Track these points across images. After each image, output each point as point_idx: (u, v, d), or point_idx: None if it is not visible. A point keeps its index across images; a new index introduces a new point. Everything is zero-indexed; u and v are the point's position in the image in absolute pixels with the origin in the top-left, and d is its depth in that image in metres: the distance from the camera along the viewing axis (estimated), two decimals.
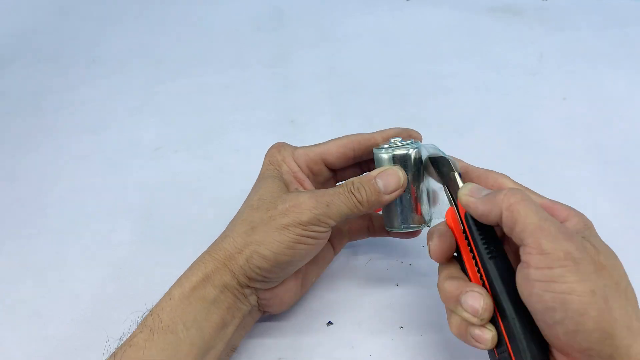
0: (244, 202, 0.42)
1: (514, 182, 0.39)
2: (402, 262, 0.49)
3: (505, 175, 0.39)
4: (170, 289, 0.38)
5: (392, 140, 0.42)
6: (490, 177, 0.39)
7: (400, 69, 0.72)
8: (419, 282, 0.48)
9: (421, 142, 0.44)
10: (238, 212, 0.41)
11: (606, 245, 0.33)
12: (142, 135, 0.64)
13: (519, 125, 0.63)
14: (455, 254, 0.38)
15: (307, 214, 0.38)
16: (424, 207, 0.42)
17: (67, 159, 0.61)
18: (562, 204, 0.36)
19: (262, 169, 0.44)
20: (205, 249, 0.40)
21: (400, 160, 0.41)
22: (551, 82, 0.70)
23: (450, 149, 0.60)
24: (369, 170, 0.45)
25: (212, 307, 0.37)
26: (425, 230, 0.43)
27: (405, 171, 0.40)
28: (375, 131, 0.44)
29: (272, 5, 0.85)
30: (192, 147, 0.62)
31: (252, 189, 0.43)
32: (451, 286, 0.35)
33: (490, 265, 0.34)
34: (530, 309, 0.31)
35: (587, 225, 0.34)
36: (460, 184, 0.38)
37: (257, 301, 0.40)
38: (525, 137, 0.62)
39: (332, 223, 0.39)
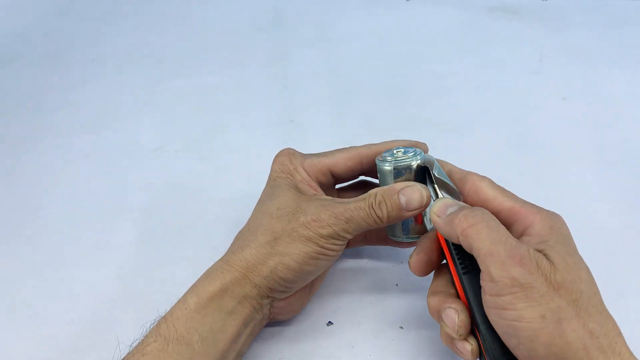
0: (258, 209, 0.42)
1: (491, 184, 0.38)
2: (402, 262, 0.49)
3: (485, 177, 0.39)
4: (185, 297, 0.37)
5: (395, 151, 0.41)
6: (469, 180, 0.38)
7: (400, 69, 0.72)
8: (419, 282, 0.48)
9: (427, 151, 0.44)
10: (253, 221, 0.41)
11: (570, 256, 0.32)
12: (142, 135, 0.64)
13: (519, 125, 0.63)
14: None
15: (328, 230, 0.38)
16: (426, 217, 0.42)
17: (67, 159, 0.61)
18: (532, 206, 0.36)
19: (272, 174, 0.43)
20: (205, 248, 0.40)
21: (403, 171, 0.40)
22: (551, 82, 0.70)
23: (450, 149, 0.61)
24: (372, 175, 0.46)
25: (229, 318, 0.37)
26: None
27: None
28: (383, 142, 0.44)
29: (272, 5, 0.85)
30: (192, 147, 0.62)
31: (265, 195, 0.43)
32: (433, 301, 0.36)
33: (464, 280, 0.34)
34: None
35: (554, 228, 0.34)
36: (435, 196, 0.38)
37: (270, 309, 0.40)
38: (525, 137, 0.62)
39: (350, 236, 0.39)
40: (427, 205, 0.39)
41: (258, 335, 0.44)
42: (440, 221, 0.35)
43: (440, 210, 0.36)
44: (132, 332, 0.37)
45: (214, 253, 0.41)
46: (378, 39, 0.78)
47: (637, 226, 0.52)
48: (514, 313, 0.30)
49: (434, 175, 0.39)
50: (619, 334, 0.30)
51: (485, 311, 0.32)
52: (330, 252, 0.39)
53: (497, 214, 0.35)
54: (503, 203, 0.36)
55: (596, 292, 0.31)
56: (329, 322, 0.45)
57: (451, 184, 0.39)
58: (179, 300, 0.37)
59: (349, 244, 0.47)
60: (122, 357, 0.35)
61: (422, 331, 0.44)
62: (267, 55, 0.76)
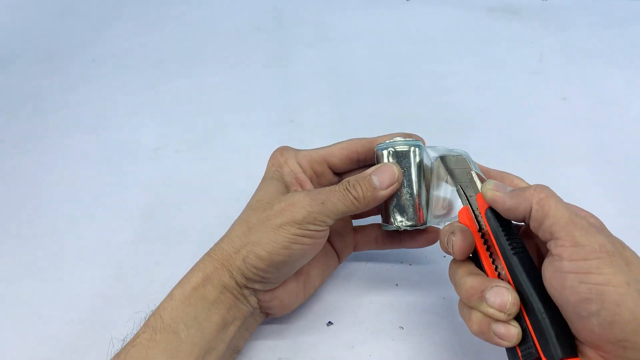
0: (246, 204, 0.42)
1: (528, 184, 0.39)
2: (402, 262, 0.49)
3: (521, 178, 0.40)
4: (171, 291, 0.38)
5: (394, 139, 0.42)
6: (506, 178, 0.40)
7: (400, 69, 0.72)
8: (419, 282, 0.48)
9: (419, 141, 0.44)
10: (240, 214, 0.42)
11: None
12: (142, 135, 0.64)
13: (519, 125, 0.63)
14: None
15: (301, 212, 0.38)
16: (423, 208, 0.42)
17: (67, 159, 0.61)
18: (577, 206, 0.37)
19: (265, 171, 0.44)
20: (205, 248, 0.40)
21: (400, 157, 0.41)
22: (551, 82, 0.70)
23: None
24: None
25: (213, 307, 0.38)
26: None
27: (406, 169, 0.41)
28: (380, 135, 0.45)
29: (272, 5, 0.85)
30: (192, 147, 0.62)
31: (255, 191, 0.43)
32: (474, 282, 0.35)
33: (515, 260, 0.34)
34: (561, 302, 0.31)
35: (603, 225, 0.35)
36: (478, 182, 0.38)
37: (258, 303, 0.40)
38: (525, 137, 0.62)
39: (329, 221, 0.39)
40: (399, 180, 0.40)
41: (258, 335, 0.44)
42: (504, 195, 0.35)
43: (499, 187, 0.36)
44: (132, 332, 0.37)
45: None
46: (378, 39, 0.78)
47: (637, 226, 0.52)
48: (601, 277, 0.29)
49: (467, 158, 0.40)
50: None
51: (554, 282, 0.31)
52: (306, 240, 0.38)
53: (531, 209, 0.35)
54: None
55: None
56: (329, 322, 0.45)
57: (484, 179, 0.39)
58: (166, 296, 0.38)
59: (358, 247, 0.47)
60: (116, 351, 0.36)
61: (422, 331, 0.44)
62: (267, 55, 0.76)
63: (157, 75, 0.73)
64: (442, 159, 0.41)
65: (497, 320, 0.33)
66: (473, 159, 0.42)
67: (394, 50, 0.76)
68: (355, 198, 0.39)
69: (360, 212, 0.40)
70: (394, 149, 0.41)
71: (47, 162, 0.61)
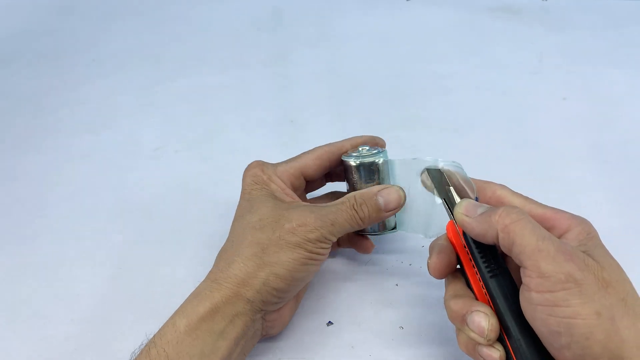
0: (238, 224, 0.41)
1: (512, 192, 0.38)
2: (402, 262, 0.49)
3: (504, 186, 0.39)
4: (174, 318, 0.36)
5: (360, 149, 0.44)
6: (488, 188, 0.38)
7: (400, 69, 0.72)
8: (419, 282, 0.48)
9: (385, 148, 0.46)
10: (236, 236, 0.40)
11: (611, 258, 0.32)
12: (142, 135, 0.64)
13: (519, 125, 0.63)
14: (459, 266, 0.38)
15: (315, 234, 0.38)
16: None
17: (67, 159, 0.61)
18: (564, 212, 0.35)
19: (245, 188, 0.43)
20: (205, 248, 0.40)
21: (368, 168, 0.43)
22: (551, 82, 0.70)
23: (450, 149, 0.61)
24: (336, 177, 0.48)
25: (220, 339, 0.36)
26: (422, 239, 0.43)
27: (371, 178, 0.42)
28: (344, 139, 0.46)
29: (272, 5, 0.85)
30: (192, 147, 0.62)
31: (242, 209, 0.42)
32: (456, 305, 0.35)
33: (493, 283, 0.33)
34: (535, 331, 0.31)
35: (591, 234, 0.33)
36: (457, 199, 0.38)
37: (263, 324, 0.40)
38: (525, 137, 0.62)
39: (335, 239, 0.40)
40: (403, 205, 0.41)
41: None
42: (472, 221, 0.34)
43: (469, 210, 0.35)
44: (131, 332, 0.37)
45: (213, 253, 0.41)
46: (378, 39, 0.78)
47: (637, 226, 0.52)
48: (568, 310, 0.29)
49: (453, 179, 0.39)
50: None
51: (527, 311, 0.31)
52: (319, 257, 0.39)
53: None
54: (533, 210, 0.36)
55: (639, 297, 0.31)
56: (329, 322, 0.45)
57: (472, 187, 0.38)
58: (167, 322, 0.36)
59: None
60: None
61: (422, 331, 0.44)
62: (267, 55, 0.76)
63: (157, 75, 0.73)
64: (428, 171, 0.40)
65: (480, 344, 0.33)
66: (464, 167, 0.41)
67: (394, 50, 0.76)
68: (360, 218, 0.40)
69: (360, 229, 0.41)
70: (362, 160, 0.42)
71: (47, 162, 0.61)
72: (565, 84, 0.69)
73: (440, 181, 0.39)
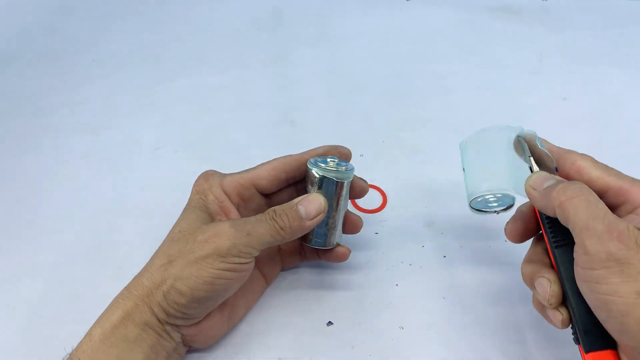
0: (167, 235, 0.41)
1: (594, 163, 0.37)
2: (402, 262, 0.49)
3: (586, 155, 0.38)
4: (90, 329, 0.37)
5: (329, 160, 0.42)
6: (569, 158, 0.38)
7: (400, 69, 0.72)
8: (419, 282, 0.48)
9: (351, 158, 0.45)
10: (159, 246, 0.40)
11: None
12: (142, 135, 0.64)
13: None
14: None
15: (226, 243, 0.37)
16: (335, 232, 0.43)
17: (67, 159, 0.61)
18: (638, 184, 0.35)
19: (189, 199, 0.43)
20: None
21: (325, 183, 0.41)
22: (551, 82, 0.70)
23: (450, 149, 0.60)
24: (304, 191, 0.45)
25: (135, 346, 0.36)
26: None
27: (329, 195, 0.41)
28: (304, 151, 0.44)
29: (272, 5, 0.85)
30: (192, 147, 0.62)
31: (176, 220, 0.42)
32: (527, 269, 0.37)
33: (557, 253, 0.35)
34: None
35: None
36: (535, 168, 0.38)
37: (182, 337, 0.39)
38: None
39: (255, 252, 0.38)
40: (324, 211, 0.40)
41: (258, 334, 0.44)
42: (536, 194, 0.35)
43: (537, 184, 0.36)
44: None
45: None
46: (378, 39, 0.78)
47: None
48: (607, 287, 0.29)
49: (531, 147, 0.39)
50: None
51: (577, 284, 0.32)
52: (230, 274, 0.37)
53: (603, 194, 0.35)
54: (610, 182, 0.35)
55: None
56: (329, 322, 0.45)
57: (550, 158, 0.39)
58: (85, 334, 0.36)
59: (285, 265, 0.47)
60: None
61: (422, 331, 0.44)
62: (267, 55, 0.76)
63: (157, 75, 0.73)
64: (518, 138, 0.40)
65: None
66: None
67: (394, 50, 0.76)
68: (281, 228, 0.38)
69: (286, 241, 0.40)
70: (322, 175, 0.41)
71: (47, 162, 0.61)
72: (565, 84, 0.69)
73: (524, 149, 0.39)
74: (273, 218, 0.39)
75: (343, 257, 0.45)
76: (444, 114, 0.65)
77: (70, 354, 0.36)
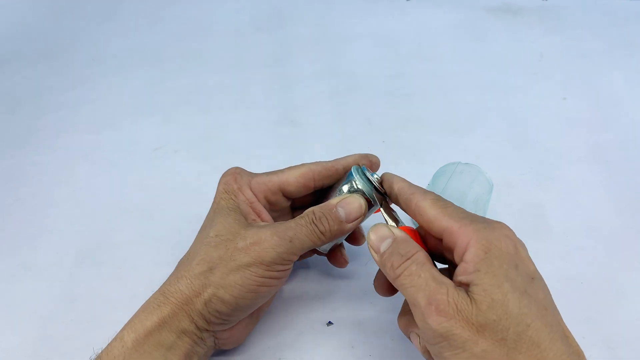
0: (198, 235, 0.40)
1: (434, 202, 0.35)
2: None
3: (428, 195, 0.35)
4: (122, 332, 0.36)
5: (374, 176, 0.41)
6: (412, 201, 0.36)
7: (400, 69, 0.72)
8: None
9: (379, 166, 0.44)
10: (192, 249, 0.39)
11: (498, 286, 0.30)
12: (142, 135, 0.64)
13: (519, 125, 0.63)
14: None
15: (270, 253, 0.36)
16: (335, 241, 0.43)
17: (67, 159, 0.61)
18: (471, 223, 0.32)
19: (216, 197, 0.41)
20: None
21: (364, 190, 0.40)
22: (551, 82, 0.70)
23: (450, 149, 0.61)
24: (324, 196, 0.44)
25: (169, 353, 0.35)
26: None
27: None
28: (335, 159, 0.42)
29: (272, 5, 0.85)
30: (192, 147, 0.62)
31: (207, 220, 0.41)
32: (401, 322, 0.38)
33: None
34: None
35: (490, 249, 0.31)
36: (387, 219, 0.38)
37: (214, 341, 0.39)
38: (525, 137, 0.62)
39: (295, 258, 0.38)
40: (364, 214, 0.39)
41: (258, 334, 0.44)
42: (377, 259, 0.35)
43: (376, 246, 0.35)
44: None
45: None
46: (378, 39, 0.78)
47: (637, 226, 0.52)
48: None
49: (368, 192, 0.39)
50: None
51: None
52: (273, 282, 0.37)
53: (440, 236, 0.34)
54: (443, 223, 0.33)
55: (530, 324, 0.29)
56: (329, 322, 0.45)
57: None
58: (115, 337, 0.36)
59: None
60: None
61: None
62: (267, 55, 0.76)
63: (157, 75, 0.73)
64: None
65: None
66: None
67: (394, 50, 0.76)
68: (321, 232, 0.37)
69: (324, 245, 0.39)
70: (361, 188, 0.40)
71: (47, 162, 0.61)
72: (565, 84, 0.69)
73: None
74: (313, 222, 0.37)
75: (341, 265, 0.45)
76: (444, 114, 0.65)
77: (98, 355, 0.35)
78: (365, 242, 0.45)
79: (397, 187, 0.37)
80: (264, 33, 0.80)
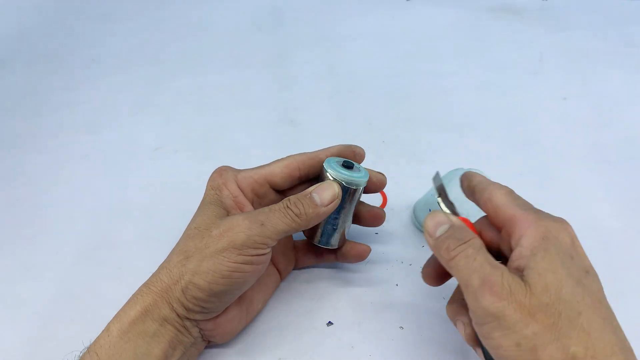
0: (184, 232, 0.41)
1: (507, 193, 0.36)
2: (402, 262, 0.49)
3: (504, 187, 0.37)
4: (108, 324, 0.37)
5: (344, 163, 0.42)
6: (487, 188, 0.37)
7: (400, 69, 0.72)
8: (419, 282, 0.47)
9: (364, 158, 0.45)
10: (177, 243, 0.41)
11: (553, 272, 0.30)
12: (142, 135, 0.64)
13: (519, 125, 0.63)
14: None
15: (240, 236, 0.37)
16: (343, 233, 0.44)
17: (67, 159, 0.61)
18: (533, 213, 0.34)
19: (204, 193, 0.43)
20: None
21: (344, 188, 0.41)
22: (551, 82, 0.70)
23: (450, 149, 0.61)
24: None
25: (153, 341, 0.36)
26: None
27: (342, 196, 0.41)
28: (319, 150, 0.44)
29: (272, 5, 0.85)
30: (192, 147, 0.62)
31: (192, 217, 0.42)
32: (449, 310, 0.38)
33: None
34: None
35: (547, 238, 0.32)
36: (443, 207, 0.39)
37: (200, 332, 0.39)
38: (525, 137, 0.62)
39: (271, 243, 0.38)
40: (339, 197, 0.40)
41: (258, 334, 0.44)
42: (431, 243, 0.36)
43: (431, 229, 0.36)
44: None
45: None
46: (378, 39, 0.78)
47: (637, 226, 0.52)
48: (492, 342, 0.30)
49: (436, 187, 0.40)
50: (615, 352, 0.29)
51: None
52: (247, 267, 0.37)
53: (504, 222, 0.35)
54: (507, 211, 0.34)
55: (582, 312, 0.29)
56: (329, 322, 0.45)
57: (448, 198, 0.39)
58: (103, 330, 0.37)
59: (299, 263, 0.47)
60: None
61: (422, 331, 0.44)
62: (267, 55, 0.76)
63: (157, 75, 0.73)
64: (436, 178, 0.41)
65: None
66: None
67: (394, 50, 0.76)
68: (296, 215, 0.38)
69: (301, 229, 0.39)
70: (335, 179, 0.41)
71: (47, 162, 0.61)
72: (565, 84, 0.69)
73: (435, 188, 0.40)
74: (287, 207, 0.38)
75: (364, 254, 0.45)
76: (444, 114, 0.65)
77: (87, 348, 0.36)
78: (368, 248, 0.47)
79: (476, 180, 0.38)
80: (264, 33, 0.80)
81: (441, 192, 0.40)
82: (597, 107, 0.65)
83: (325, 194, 0.40)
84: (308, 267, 0.49)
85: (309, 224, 0.39)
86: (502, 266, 0.32)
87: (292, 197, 0.39)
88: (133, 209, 0.55)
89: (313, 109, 0.67)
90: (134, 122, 0.66)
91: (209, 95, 0.70)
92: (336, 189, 0.40)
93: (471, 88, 0.69)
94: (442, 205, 0.39)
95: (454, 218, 0.36)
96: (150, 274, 0.48)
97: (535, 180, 0.57)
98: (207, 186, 0.43)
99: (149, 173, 0.59)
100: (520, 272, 0.31)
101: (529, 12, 0.82)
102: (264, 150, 0.61)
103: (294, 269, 0.48)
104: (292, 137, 0.63)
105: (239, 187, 0.42)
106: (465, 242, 0.33)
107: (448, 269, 0.34)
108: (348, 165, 0.42)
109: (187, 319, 0.38)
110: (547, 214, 0.34)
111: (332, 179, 0.41)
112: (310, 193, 0.40)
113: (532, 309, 0.29)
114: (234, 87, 0.71)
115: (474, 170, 0.47)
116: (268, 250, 0.38)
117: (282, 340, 0.44)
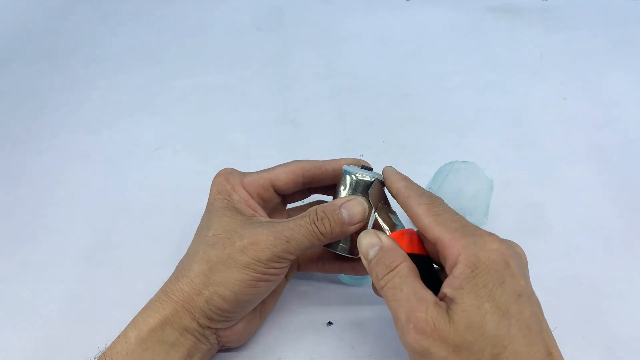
0: (196, 237, 0.41)
1: (428, 210, 0.34)
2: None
3: (422, 201, 0.35)
4: (125, 330, 0.36)
5: (361, 166, 0.41)
6: (408, 206, 0.36)
7: (400, 69, 0.72)
8: None
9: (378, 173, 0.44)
10: (191, 248, 0.40)
11: (477, 307, 0.30)
12: (142, 135, 0.64)
13: (519, 125, 0.63)
14: None
15: (266, 252, 0.36)
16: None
17: (67, 159, 0.61)
18: (462, 236, 0.32)
19: (210, 198, 0.42)
20: None
21: (362, 187, 0.40)
22: (551, 82, 0.70)
23: (450, 149, 0.61)
24: (321, 191, 0.45)
25: (172, 351, 0.36)
26: None
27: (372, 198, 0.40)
28: (326, 160, 0.43)
29: (272, 5, 0.85)
30: (192, 147, 0.62)
31: (203, 220, 0.41)
32: None
33: None
34: None
35: (478, 265, 0.31)
36: (381, 223, 0.38)
37: (217, 338, 0.39)
38: (525, 137, 0.62)
39: (292, 257, 0.38)
40: (368, 217, 0.39)
41: (258, 334, 0.44)
42: (366, 265, 0.35)
43: (365, 253, 0.35)
44: None
45: None
46: (378, 39, 0.78)
47: (637, 226, 0.52)
48: None
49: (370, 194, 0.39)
50: None
51: None
52: (271, 277, 0.37)
53: (435, 243, 0.33)
54: (435, 233, 0.33)
55: (507, 345, 0.29)
56: (329, 322, 0.45)
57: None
58: (119, 335, 0.36)
59: (302, 267, 0.46)
60: None
61: None
62: (267, 55, 0.76)
63: (157, 75, 0.73)
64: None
65: None
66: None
67: (394, 50, 0.76)
68: (321, 233, 0.37)
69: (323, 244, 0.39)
70: (361, 177, 0.39)
71: (47, 162, 0.61)
72: (565, 84, 0.69)
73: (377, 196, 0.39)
74: (314, 222, 0.37)
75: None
76: (444, 114, 0.65)
77: (103, 353, 0.36)
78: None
79: (394, 189, 0.37)
80: (264, 33, 0.80)
81: (377, 202, 0.38)
82: (597, 107, 0.65)
83: (354, 210, 0.38)
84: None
85: (333, 241, 0.39)
86: (430, 297, 0.31)
87: (319, 211, 0.38)
88: (133, 208, 0.55)
89: (313, 109, 0.67)
90: (134, 122, 0.66)
91: (209, 95, 0.70)
92: (366, 207, 0.39)
93: (471, 88, 0.69)
94: (378, 219, 0.38)
95: (384, 237, 0.35)
96: (150, 274, 0.48)
97: (535, 180, 0.57)
98: (212, 190, 0.42)
99: (149, 173, 0.59)
100: (450, 301, 0.30)
101: (529, 12, 0.82)
102: (264, 150, 0.61)
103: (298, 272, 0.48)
104: (292, 137, 0.63)
105: (246, 192, 0.42)
106: (392, 270, 0.33)
107: (382, 296, 0.33)
108: (369, 169, 0.41)
109: (209, 328, 0.38)
110: (474, 232, 0.32)
111: (359, 179, 0.39)
112: (339, 207, 0.38)
113: (456, 346, 0.29)
114: (234, 87, 0.71)
115: (461, 163, 0.45)
116: (289, 263, 0.38)
117: (282, 340, 0.44)
